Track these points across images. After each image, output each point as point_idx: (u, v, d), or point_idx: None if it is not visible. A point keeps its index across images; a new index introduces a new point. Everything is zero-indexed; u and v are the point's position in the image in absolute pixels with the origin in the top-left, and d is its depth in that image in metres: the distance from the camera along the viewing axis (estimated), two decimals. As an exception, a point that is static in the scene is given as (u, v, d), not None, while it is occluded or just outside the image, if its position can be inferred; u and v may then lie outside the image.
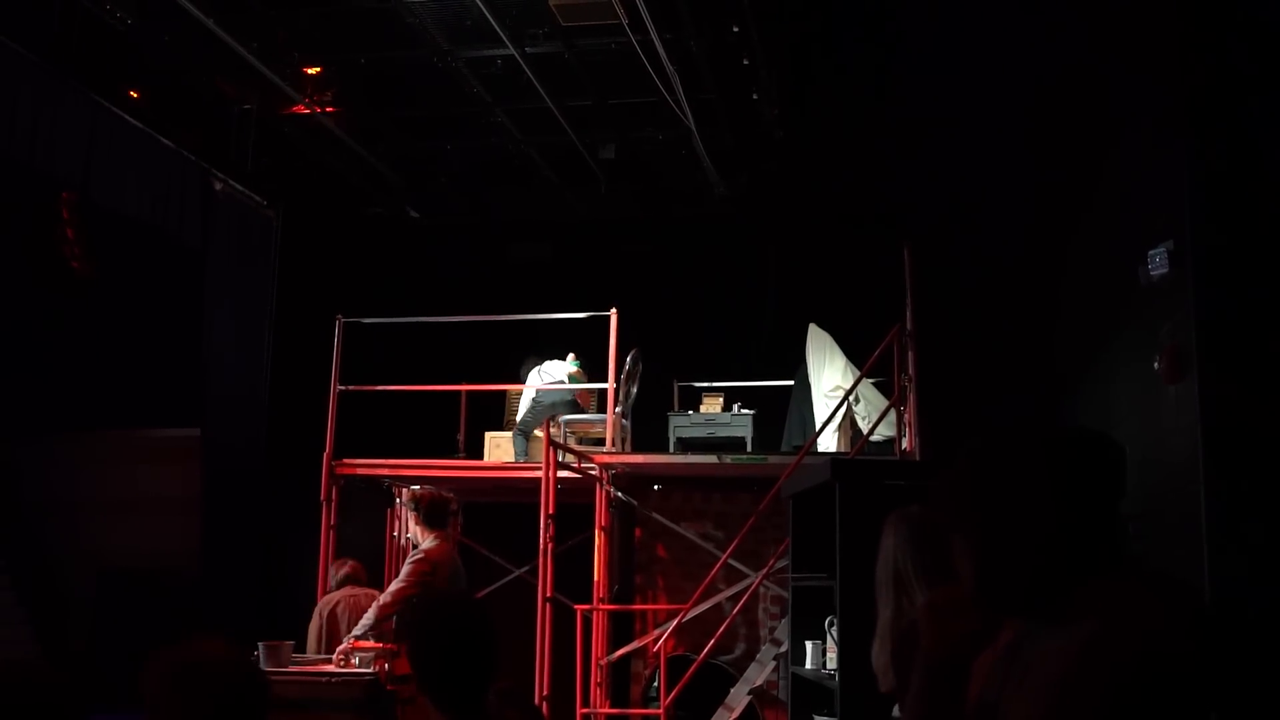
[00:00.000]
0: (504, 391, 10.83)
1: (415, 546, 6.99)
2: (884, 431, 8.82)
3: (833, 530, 5.23)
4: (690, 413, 10.15)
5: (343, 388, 9.58)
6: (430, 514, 6.94)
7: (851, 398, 9.12)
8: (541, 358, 10.25)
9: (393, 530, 10.47)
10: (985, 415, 8.95)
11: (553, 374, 10.11)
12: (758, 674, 8.54)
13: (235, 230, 10.64)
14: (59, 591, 11.49)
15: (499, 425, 10.67)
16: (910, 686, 1.95)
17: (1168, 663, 1.58)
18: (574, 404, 10.01)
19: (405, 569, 6.76)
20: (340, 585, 8.00)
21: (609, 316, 9.37)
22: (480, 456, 10.34)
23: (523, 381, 10.15)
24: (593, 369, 9.81)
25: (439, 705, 2.87)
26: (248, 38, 8.82)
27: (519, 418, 10.17)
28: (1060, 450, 1.81)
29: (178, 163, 9.83)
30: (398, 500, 10.31)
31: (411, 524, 7.02)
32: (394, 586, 6.72)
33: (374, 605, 6.75)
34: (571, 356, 10.24)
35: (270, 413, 11.00)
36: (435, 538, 6.89)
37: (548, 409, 9.85)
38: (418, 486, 7.24)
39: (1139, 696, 1.56)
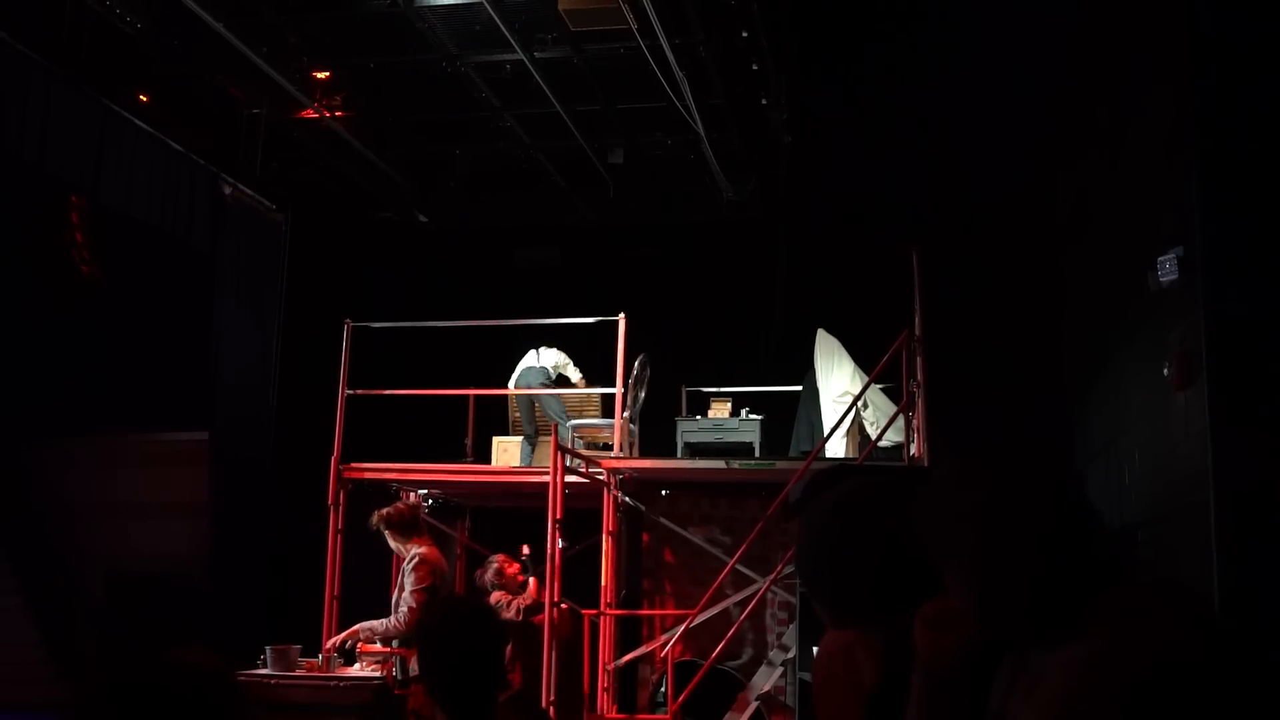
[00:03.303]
0: (511, 396, 10.81)
1: (405, 558, 7.00)
2: (892, 437, 8.80)
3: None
4: (698, 418, 10.13)
5: (351, 392, 9.58)
6: (403, 526, 6.99)
7: (860, 403, 9.10)
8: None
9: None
10: (992, 420, 8.95)
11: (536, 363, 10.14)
12: (765, 680, 8.52)
13: (244, 234, 10.65)
14: (66, 595, 11.50)
15: (506, 430, 10.67)
16: (910, 699, 1.94)
17: (1177, 673, 1.57)
18: (553, 383, 10.03)
19: (410, 576, 6.76)
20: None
21: (617, 321, 9.36)
22: (488, 461, 10.33)
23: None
24: (600, 374, 9.79)
25: (447, 710, 2.86)
26: (257, 42, 8.83)
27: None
28: (1003, 475, 1.80)
29: (187, 167, 9.85)
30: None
31: (391, 542, 7.04)
32: (410, 597, 6.69)
33: (399, 613, 6.73)
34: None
35: (278, 417, 11.01)
36: (420, 544, 6.92)
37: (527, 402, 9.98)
38: (382, 511, 7.25)
39: (1149, 707, 1.55)
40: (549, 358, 10.16)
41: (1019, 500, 1.75)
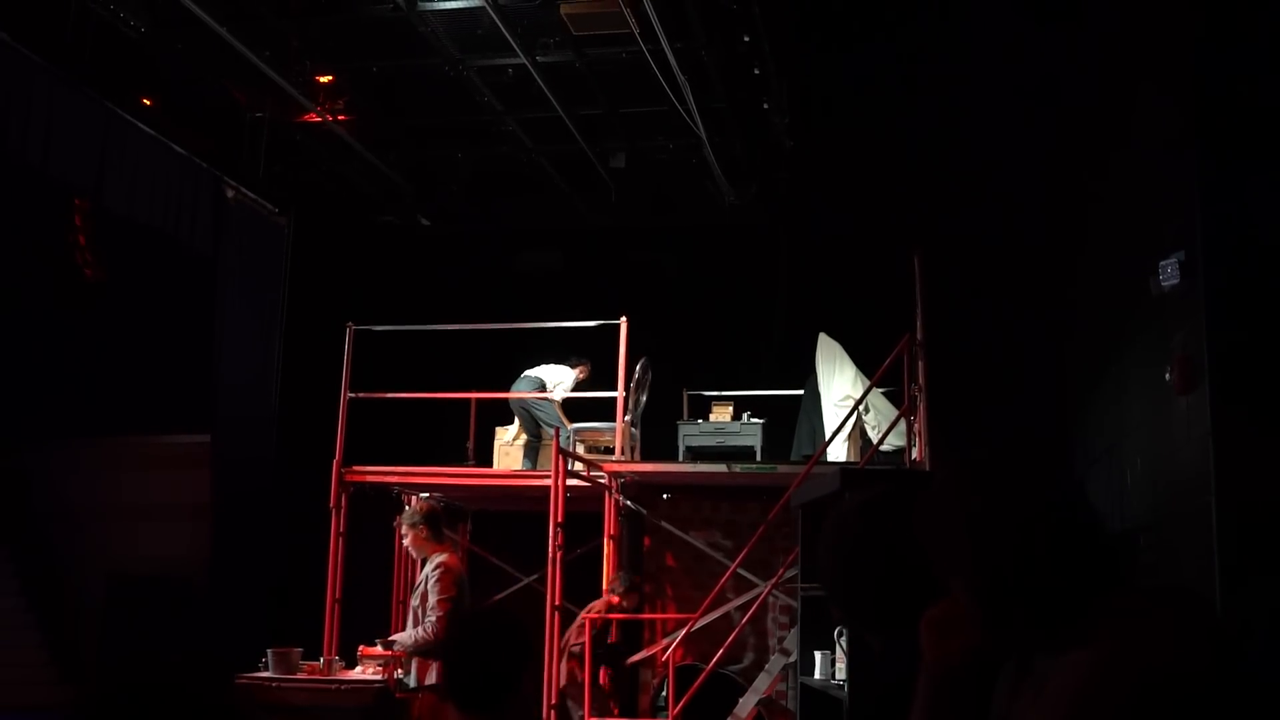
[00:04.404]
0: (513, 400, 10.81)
1: (423, 561, 6.94)
2: (894, 441, 8.80)
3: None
4: (700, 421, 10.14)
5: (353, 395, 9.59)
6: (436, 526, 6.92)
7: (861, 407, 9.10)
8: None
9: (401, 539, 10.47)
10: (995, 425, 8.94)
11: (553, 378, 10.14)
12: (766, 684, 8.52)
13: (246, 237, 10.66)
14: (68, 597, 11.52)
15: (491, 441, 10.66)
16: (914, 702, 1.95)
17: (1181, 677, 1.57)
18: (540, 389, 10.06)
19: (435, 584, 6.70)
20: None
21: (619, 325, 9.37)
22: (490, 464, 10.34)
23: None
24: (603, 377, 9.79)
25: (466, 713, 2.87)
26: (260, 46, 8.84)
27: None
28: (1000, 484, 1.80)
29: (190, 170, 9.86)
30: (408, 507, 10.30)
31: (415, 540, 6.94)
32: (436, 608, 6.65)
33: (426, 624, 6.68)
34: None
35: (280, 420, 11.02)
36: (444, 549, 6.87)
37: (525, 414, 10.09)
38: (412, 505, 7.19)
39: (1153, 711, 1.55)
40: (550, 373, 10.14)
41: (1013, 508, 1.75)
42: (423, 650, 6.68)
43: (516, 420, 10.31)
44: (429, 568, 6.81)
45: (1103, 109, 7.55)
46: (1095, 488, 7.69)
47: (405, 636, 6.84)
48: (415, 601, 6.87)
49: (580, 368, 10.24)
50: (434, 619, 6.63)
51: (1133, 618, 1.65)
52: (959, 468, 1.87)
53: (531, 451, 10.07)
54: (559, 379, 10.10)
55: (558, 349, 10.30)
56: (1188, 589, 1.77)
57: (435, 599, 6.62)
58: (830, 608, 2.12)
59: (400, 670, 6.89)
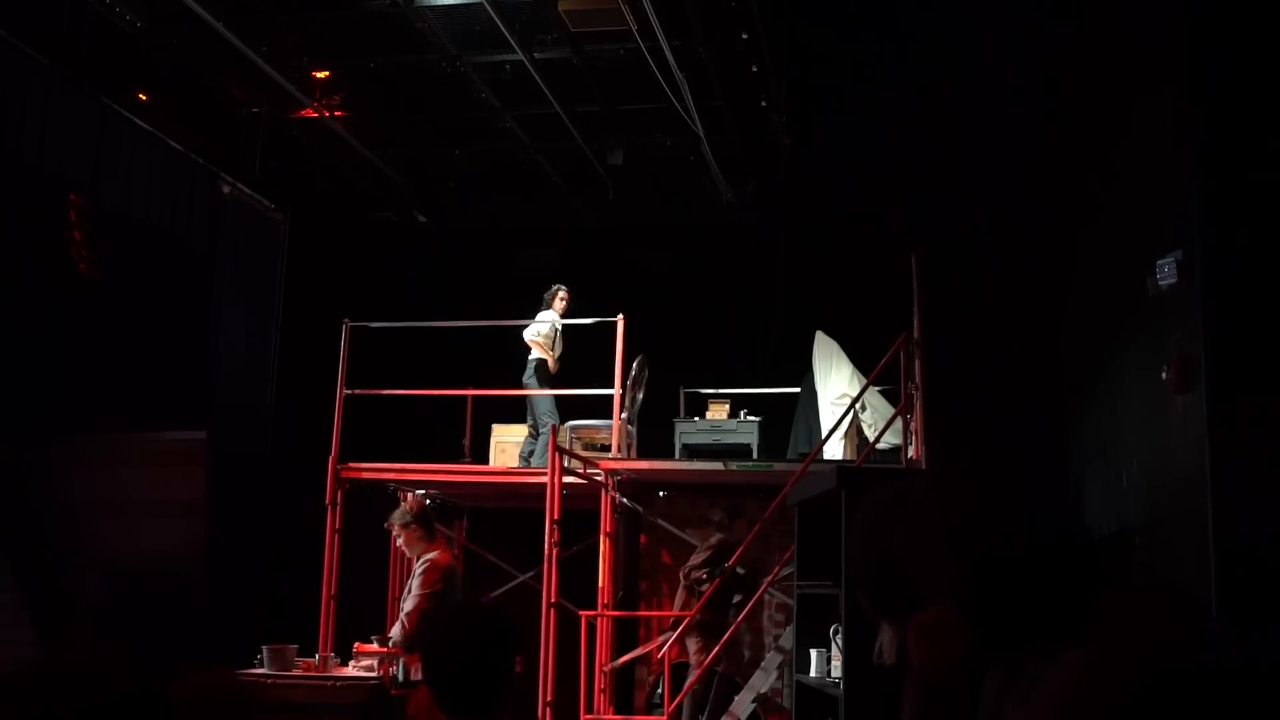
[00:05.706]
0: (510, 397, 10.79)
1: (415, 559, 6.92)
2: (890, 439, 8.79)
3: (838, 538, 5.21)
4: (696, 419, 10.13)
5: (349, 392, 9.58)
6: (428, 524, 6.91)
7: (858, 405, 9.10)
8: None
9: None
10: (992, 424, 8.94)
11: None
12: (762, 682, 8.52)
13: (243, 233, 10.66)
14: (63, 594, 11.48)
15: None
16: (903, 706, 1.94)
17: (1174, 677, 1.56)
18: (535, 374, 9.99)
19: (417, 580, 6.71)
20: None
21: (615, 322, 9.36)
22: (486, 461, 10.33)
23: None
24: (599, 375, 9.77)
25: (450, 714, 2.83)
26: (257, 41, 8.83)
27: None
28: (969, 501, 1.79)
29: (186, 166, 9.85)
30: (398, 508, 10.26)
31: (408, 539, 6.91)
32: (410, 604, 6.65)
33: (400, 621, 6.69)
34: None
35: (276, 416, 11.01)
36: (435, 547, 6.86)
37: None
38: (401, 506, 7.12)
39: (1146, 711, 1.54)
40: (536, 334, 10.01)
41: (993, 518, 1.74)
42: (404, 645, 6.70)
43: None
44: (417, 564, 6.82)
45: (1101, 107, 7.54)
46: (1092, 487, 7.69)
47: (395, 635, 6.87)
48: (404, 599, 6.89)
49: (557, 297, 10.15)
50: (405, 612, 6.63)
51: (1125, 617, 1.64)
52: (935, 480, 1.86)
53: (531, 439, 10.00)
54: (543, 325, 9.98)
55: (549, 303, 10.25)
56: (1181, 588, 1.76)
57: (415, 592, 6.63)
58: (858, 597, 2.10)
59: (395, 666, 6.89)
